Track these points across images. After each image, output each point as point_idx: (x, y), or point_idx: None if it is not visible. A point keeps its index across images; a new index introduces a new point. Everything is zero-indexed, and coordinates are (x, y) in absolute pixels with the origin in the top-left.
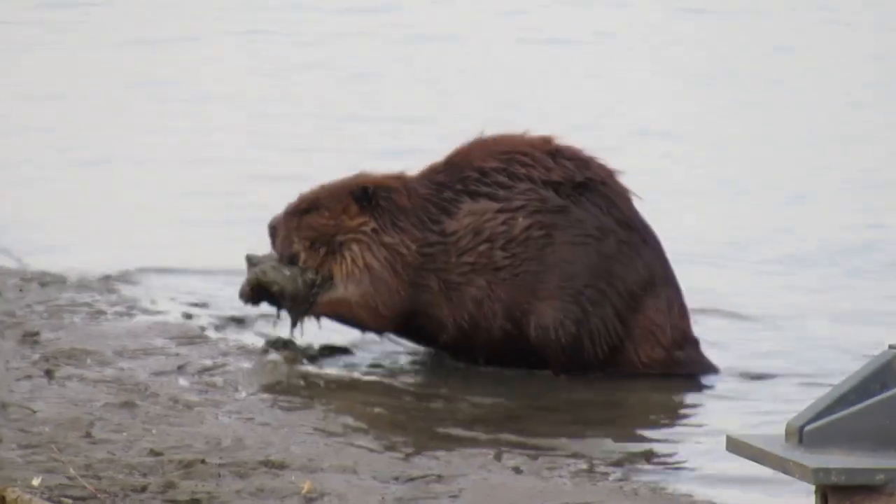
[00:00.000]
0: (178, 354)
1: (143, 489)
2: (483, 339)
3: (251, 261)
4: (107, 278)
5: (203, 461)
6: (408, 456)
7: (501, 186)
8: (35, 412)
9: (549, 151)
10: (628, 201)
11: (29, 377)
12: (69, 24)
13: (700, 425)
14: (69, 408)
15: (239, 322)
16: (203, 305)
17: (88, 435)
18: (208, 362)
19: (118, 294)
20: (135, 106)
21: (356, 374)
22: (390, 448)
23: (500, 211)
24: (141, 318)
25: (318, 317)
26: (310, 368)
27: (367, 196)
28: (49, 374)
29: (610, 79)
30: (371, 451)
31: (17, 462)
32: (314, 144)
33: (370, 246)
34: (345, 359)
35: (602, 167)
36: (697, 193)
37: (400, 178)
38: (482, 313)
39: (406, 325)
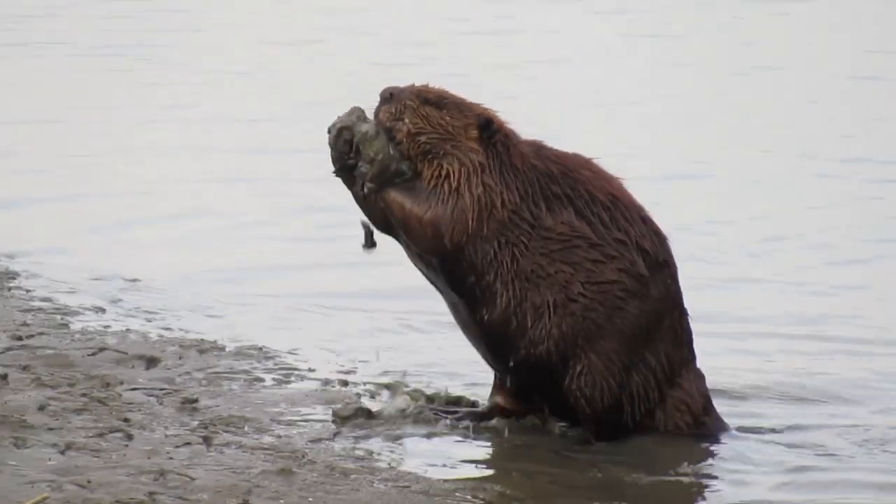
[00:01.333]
0: (334, 421)
1: None
2: (520, 347)
3: (359, 115)
4: (261, 348)
5: None
6: None
7: (602, 223)
8: (193, 479)
9: (643, 217)
10: (677, 277)
11: (188, 444)
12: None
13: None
14: (227, 475)
15: (392, 388)
16: (356, 372)
17: (246, 502)
18: (364, 429)
19: (275, 361)
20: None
21: (511, 440)
22: None
23: (593, 246)
24: (298, 385)
25: (382, 203)
26: (465, 435)
27: (489, 129)
28: (207, 440)
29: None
30: None
31: None
32: None
33: (470, 176)
34: (497, 424)
35: (668, 245)
36: None
37: (519, 136)
38: (537, 326)
39: (454, 268)
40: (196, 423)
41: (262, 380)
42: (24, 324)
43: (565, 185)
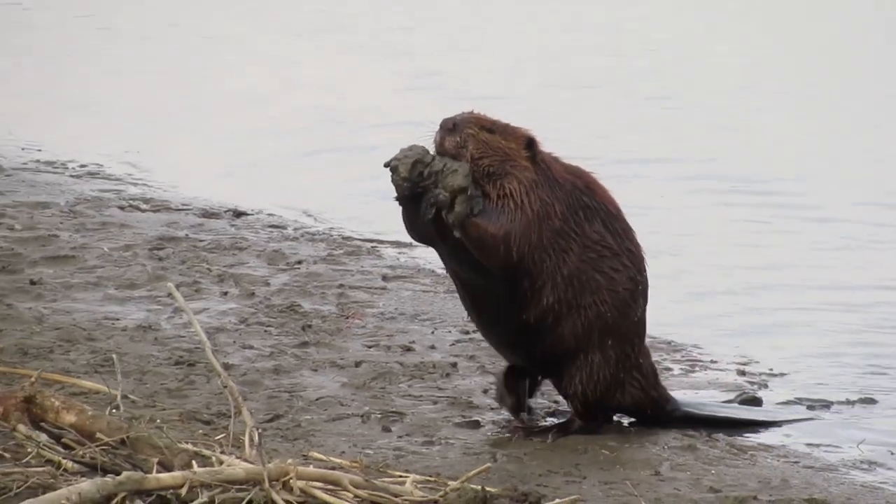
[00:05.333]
0: (732, 403)
1: None
2: (548, 341)
3: (424, 149)
4: (670, 342)
5: (755, 498)
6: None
7: (618, 234)
8: (612, 453)
9: (630, 226)
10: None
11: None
12: None
13: None
14: (641, 450)
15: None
16: (755, 363)
17: (657, 473)
18: (767, 411)
19: (682, 353)
20: None
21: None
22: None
23: (615, 255)
24: (701, 374)
25: (463, 233)
26: (848, 419)
27: (533, 148)
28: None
29: None
30: None
31: (598, 495)
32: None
33: (529, 192)
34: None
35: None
36: None
37: (555, 156)
38: (566, 324)
39: (513, 275)
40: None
41: (670, 369)
42: (466, 319)
43: (591, 198)
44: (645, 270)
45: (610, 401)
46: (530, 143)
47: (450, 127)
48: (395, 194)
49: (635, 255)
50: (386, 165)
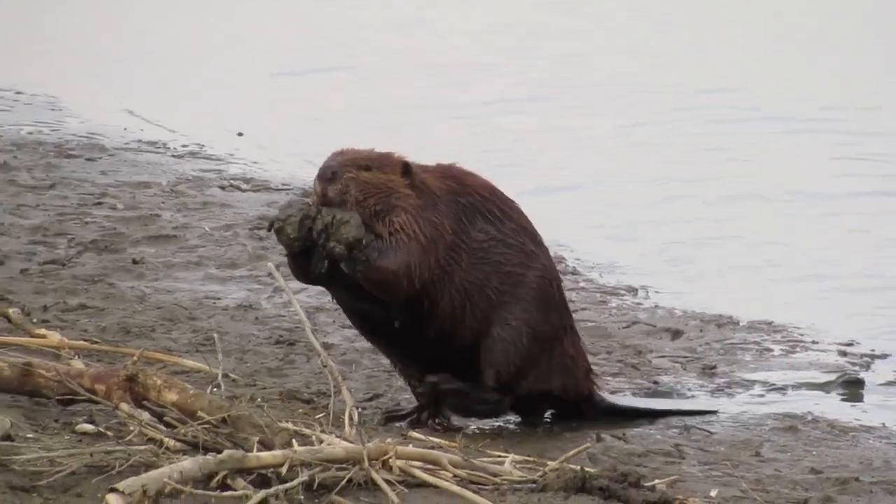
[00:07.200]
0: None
1: (805, 502)
2: (452, 347)
3: (303, 203)
4: (770, 322)
5: (857, 479)
6: None
7: (497, 219)
8: (712, 434)
9: (512, 201)
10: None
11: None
12: None
13: None
14: (741, 431)
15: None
16: (856, 344)
17: (758, 454)
18: (858, 394)
19: (783, 334)
20: None
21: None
22: None
23: (499, 241)
24: (802, 355)
25: (366, 280)
26: None
27: (408, 172)
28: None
29: None
30: None
31: (698, 476)
32: None
33: (417, 220)
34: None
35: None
36: None
37: (423, 166)
38: (464, 324)
39: (413, 298)
40: (714, 386)
41: (770, 350)
42: (570, 300)
43: (466, 197)
44: (537, 239)
45: (527, 377)
46: (406, 169)
47: (329, 176)
48: (285, 251)
49: (521, 230)
50: (269, 229)
